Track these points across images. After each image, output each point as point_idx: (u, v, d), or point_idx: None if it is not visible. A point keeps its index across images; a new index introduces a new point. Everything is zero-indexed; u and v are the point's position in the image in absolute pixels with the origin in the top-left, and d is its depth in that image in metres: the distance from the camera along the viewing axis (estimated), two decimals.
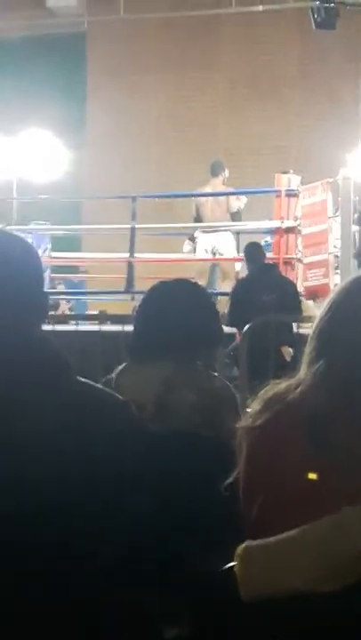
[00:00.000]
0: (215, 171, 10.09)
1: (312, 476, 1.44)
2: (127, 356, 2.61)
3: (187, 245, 10.39)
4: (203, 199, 9.97)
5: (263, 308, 6.80)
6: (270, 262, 8.42)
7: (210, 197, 9.94)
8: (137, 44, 15.17)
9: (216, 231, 9.86)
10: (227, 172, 10.20)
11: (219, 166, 10.12)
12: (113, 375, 2.54)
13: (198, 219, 10.12)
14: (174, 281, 2.83)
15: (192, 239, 10.17)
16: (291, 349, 6.64)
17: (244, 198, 10.17)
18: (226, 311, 7.22)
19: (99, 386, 1.49)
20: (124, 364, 2.58)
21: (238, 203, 10.08)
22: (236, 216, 10.02)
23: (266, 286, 7.19)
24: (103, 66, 15.34)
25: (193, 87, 15.07)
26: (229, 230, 9.90)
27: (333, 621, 1.39)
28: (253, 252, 7.77)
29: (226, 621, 1.47)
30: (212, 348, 2.70)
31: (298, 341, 6.02)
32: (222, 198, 9.92)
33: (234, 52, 15.02)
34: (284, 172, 9.76)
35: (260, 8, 13.93)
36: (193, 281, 2.84)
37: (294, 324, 6.59)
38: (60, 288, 12.30)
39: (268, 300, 7.02)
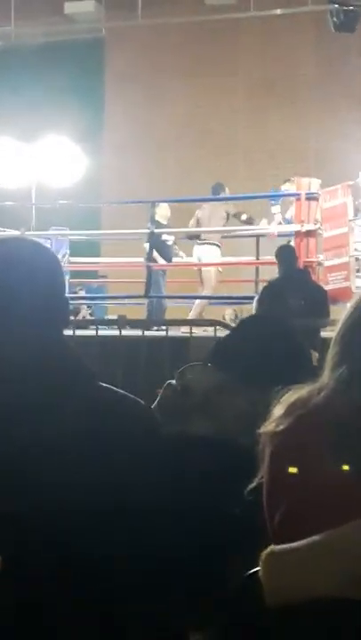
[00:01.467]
0: (215, 192, 10.11)
1: (345, 467, 1.43)
2: (209, 358, 2.56)
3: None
4: (201, 213, 9.98)
5: (290, 312, 6.75)
6: (301, 267, 8.34)
7: (206, 212, 9.92)
8: (155, 50, 15.22)
9: (204, 244, 9.91)
10: (227, 191, 10.19)
11: (219, 187, 10.10)
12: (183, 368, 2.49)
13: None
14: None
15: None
16: (317, 354, 6.58)
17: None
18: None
19: (120, 390, 1.49)
20: (195, 363, 2.53)
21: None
22: (248, 222, 9.99)
23: (295, 290, 7.12)
24: (121, 72, 15.40)
25: (211, 92, 15.08)
26: (216, 244, 9.90)
27: (359, 629, 1.38)
28: (285, 255, 7.66)
29: (251, 626, 1.46)
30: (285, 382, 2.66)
31: (324, 345, 5.98)
32: (221, 213, 9.87)
33: (252, 57, 15.02)
34: (288, 181, 9.76)
35: (278, 12, 13.93)
36: None
37: (322, 329, 6.53)
38: (81, 293, 12.35)
39: (295, 304, 6.95)
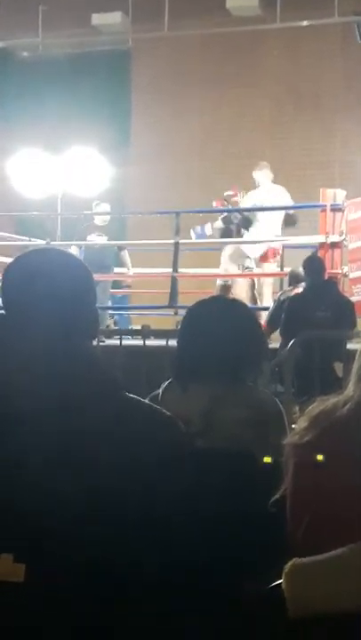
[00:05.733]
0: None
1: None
2: (172, 373, 2.62)
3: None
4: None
5: (317, 324, 6.72)
6: (329, 278, 8.30)
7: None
8: (181, 61, 15.26)
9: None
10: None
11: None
12: (159, 391, 2.55)
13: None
14: (213, 298, 2.85)
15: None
16: (342, 365, 6.54)
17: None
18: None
19: (146, 401, 1.50)
20: (169, 381, 2.58)
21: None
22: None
23: (322, 302, 7.07)
24: (148, 83, 15.46)
25: (237, 103, 15.10)
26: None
27: None
28: (313, 266, 7.61)
29: (273, 638, 1.46)
30: (257, 364, 2.69)
31: (351, 358, 5.93)
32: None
33: (277, 68, 15.03)
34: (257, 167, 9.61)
35: (305, 23, 13.92)
36: (231, 297, 2.85)
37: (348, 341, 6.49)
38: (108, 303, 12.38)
39: (322, 316, 6.91)
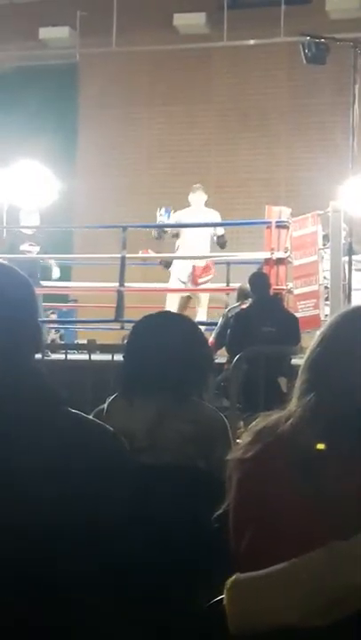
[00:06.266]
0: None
1: (310, 496, 1.44)
2: (118, 388, 2.61)
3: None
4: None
5: (262, 339, 6.78)
6: (275, 294, 8.39)
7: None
8: (129, 77, 15.31)
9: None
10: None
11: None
12: (104, 406, 2.54)
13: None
14: (159, 313, 2.86)
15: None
16: (286, 380, 6.61)
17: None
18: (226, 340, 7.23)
19: (89, 417, 1.49)
20: (114, 396, 2.58)
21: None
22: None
23: (267, 318, 7.15)
24: (95, 97, 15.47)
25: (184, 119, 15.19)
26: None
27: None
28: (259, 282, 7.69)
29: None
30: (202, 379, 2.70)
31: (295, 373, 5.99)
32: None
33: (225, 86, 15.17)
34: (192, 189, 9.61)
35: (252, 42, 14.10)
36: (177, 312, 2.86)
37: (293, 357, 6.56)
38: (52, 317, 12.30)
39: (267, 331, 6.99)
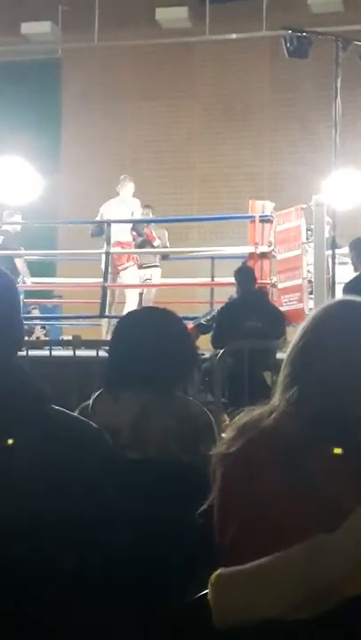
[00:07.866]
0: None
1: (293, 489, 1.44)
2: (103, 383, 2.62)
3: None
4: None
5: (247, 333, 6.79)
6: (260, 288, 8.42)
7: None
8: (111, 71, 15.27)
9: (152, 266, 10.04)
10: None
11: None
12: (89, 402, 2.54)
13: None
14: (144, 308, 2.87)
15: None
16: (270, 374, 6.62)
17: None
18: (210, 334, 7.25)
19: (73, 414, 1.49)
20: (99, 391, 2.58)
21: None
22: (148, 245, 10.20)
23: (252, 312, 7.17)
24: (78, 92, 15.42)
25: (167, 113, 15.17)
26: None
27: None
28: (244, 276, 7.72)
29: None
30: (187, 374, 2.71)
31: (280, 367, 6.00)
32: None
33: (208, 80, 15.16)
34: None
35: (234, 36, 14.09)
36: (162, 307, 2.86)
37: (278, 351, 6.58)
38: (35, 313, 12.26)
39: (252, 325, 7.00)
